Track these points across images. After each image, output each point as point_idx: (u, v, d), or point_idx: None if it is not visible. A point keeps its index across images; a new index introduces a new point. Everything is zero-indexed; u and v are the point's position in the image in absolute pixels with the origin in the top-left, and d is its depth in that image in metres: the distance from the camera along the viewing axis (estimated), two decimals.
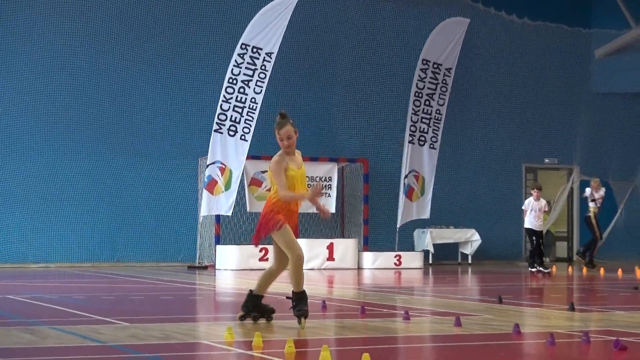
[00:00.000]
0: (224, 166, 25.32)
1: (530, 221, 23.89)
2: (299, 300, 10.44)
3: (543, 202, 24.24)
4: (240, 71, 25.63)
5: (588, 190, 25.88)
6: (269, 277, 10.85)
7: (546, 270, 22.99)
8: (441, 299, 15.66)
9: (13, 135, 25.45)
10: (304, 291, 10.48)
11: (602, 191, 25.58)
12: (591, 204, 25.42)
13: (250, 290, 10.88)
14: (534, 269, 23.33)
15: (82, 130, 26.03)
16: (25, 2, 25.59)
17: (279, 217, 10.46)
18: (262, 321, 10.49)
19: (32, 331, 10.15)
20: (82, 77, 26.06)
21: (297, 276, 10.46)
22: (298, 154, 10.80)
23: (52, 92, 25.76)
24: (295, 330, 9.92)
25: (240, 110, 25.50)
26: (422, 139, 28.04)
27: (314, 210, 26.82)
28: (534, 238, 23.97)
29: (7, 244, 25.31)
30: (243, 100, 25.54)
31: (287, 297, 10.59)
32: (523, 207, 24.51)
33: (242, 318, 10.81)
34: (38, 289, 16.96)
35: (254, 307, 10.80)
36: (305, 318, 10.41)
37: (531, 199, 24.17)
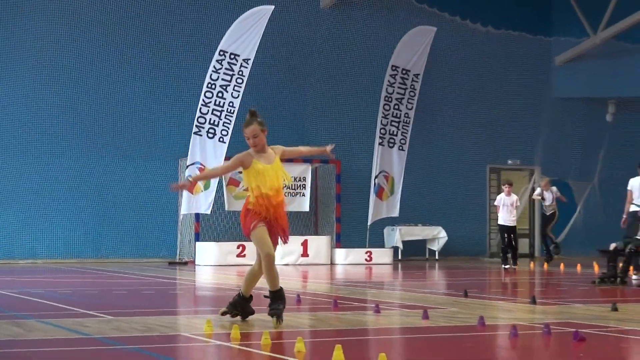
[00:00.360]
0: (203, 167, 25.28)
1: (502, 217, 23.46)
2: (274, 299, 10.00)
3: (514, 197, 23.68)
4: (218, 76, 25.61)
5: (538, 190, 25.95)
6: (252, 277, 10.33)
7: (513, 267, 22.92)
8: (410, 293, 15.68)
9: (0, 136, 25.36)
10: (280, 289, 10.02)
11: (553, 190, 25.59)
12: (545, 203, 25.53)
13: (239, 292, 10.39)
14: (507, 266, 22.95)
15: (68, 131, 25.99)
16: (14, 6, 25.50)
17: (253, 218, 10.00)
18: (239, 317, 10.32)
19: (19, 324, 10.11)
20: (69, 81, 26.02)
21: (268, 274, 9.95)
22: (273, 150, 10.34)
23: (39, 94, 25.71)
24: (272, 324, 9.91)
25: (218, 113, 25.48)
26: (392, 141, 28.07)
27: (289, 209, 26.89)
28: (505, 235, 23.45)
29: None
30: (221, 104, 25.51)
31: (265, 296, 10.19)
32: (495, 203, 24.09)
33: (223, 314, 10.40)
34: (25, 283, 16.89)
35: (240, 307, 10.38)
36: (278, 318, 9.92)
37: (502, 194, 23.73)
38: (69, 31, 26.07)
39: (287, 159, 10.92)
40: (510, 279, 20.51)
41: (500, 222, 23.68)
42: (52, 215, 25.77)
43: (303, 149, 11.14)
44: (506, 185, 23.78)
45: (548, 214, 25.80)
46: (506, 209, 23.30)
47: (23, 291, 14.93)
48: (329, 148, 10.70)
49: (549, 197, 25.54)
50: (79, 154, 26.03)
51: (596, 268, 21.70)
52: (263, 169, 10.11)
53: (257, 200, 10.05)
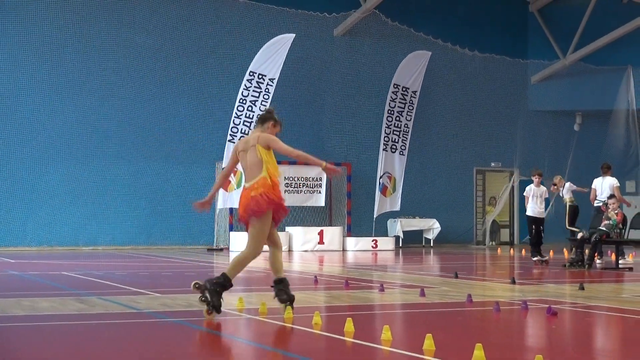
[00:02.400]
0: (235, 169, 25.26)
1: (531, 208, 19.40)
2: (219, 285, 8.61)
3: (543, 188, 19.66)
4: (248, 93, 25.63)
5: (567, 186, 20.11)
6: (274, 259, 8.98)
7: (543, 259, 18.86)
8: (409, 275, 15.65)
9: (76, 144, 25.47)
10: (229, 279, 8.67)
11: (566, 185, 20.02)
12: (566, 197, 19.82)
13: (277, 277, 9.00)
14: (535, 258, 18.96)
15: (125, 140, 26.02)
16: (91, 25, 25.63)
17: (267, 205, 8.56)
18: (272, 293, 9.47)
19: (83, 301, 10.13)
20: (126, 100, 26.07)
21: (240, 266, 8.76)
22: (250, 135, 9.05)
23: (101, 109, 25.79)
24: (295, 300, 9.86)
25: (248, 124, 25.48)
26: (394, 147, 28.03)
27: (308, 204, 26.93)
28: (533, 227, 19.41)
29: (63, 230, 25.27)
30: (251, 116, 25.52)
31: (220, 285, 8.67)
32: (524, 194, 19.81)
33: (283, 301, 8.84)
34: (88, 267, 16.94)
35: (285, 288, 8.91)
36: (207, 304, 8.50)
37: (532, 185, 19.59)
38: (126, 57, 26.13)
39: (304, 162, 9.55)
40: (493, 262, 20.44)
41: (529, 213, 19.49)
42: (111, 210, 25.81)
43: (300, 154, 8.82)
44: (536, 176, 19.51)
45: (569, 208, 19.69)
46: (535, 199, 19.38)
47: (86, 273, 14.97)
48: (324, 164, 8.89)
49: (565, 192, 19.94)
50: (134, 158, 26.06)
51: (566, 254, 21.62)
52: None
53: (276, 189, 8.75)
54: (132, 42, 26.33)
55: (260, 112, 25.37)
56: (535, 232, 19.32)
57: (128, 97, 26.20)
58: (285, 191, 26.17)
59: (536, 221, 19.40)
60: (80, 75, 25.70)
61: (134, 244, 25.87)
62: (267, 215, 8.66)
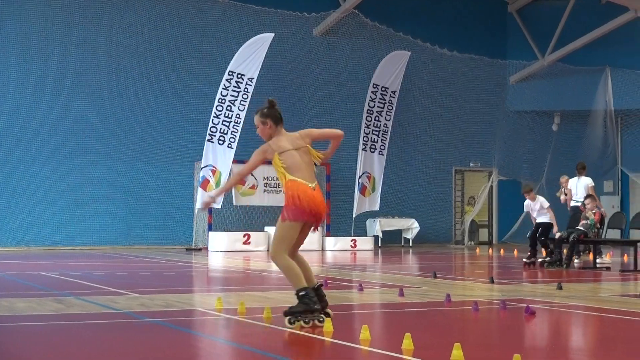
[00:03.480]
0: (214, 169, 25.26)
1: (537, 219, 18.30)
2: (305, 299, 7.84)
3: (540, 199, 18.31)
4: (227, 93, 25.59)
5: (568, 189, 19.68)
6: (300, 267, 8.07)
7: (529, 261, 17.70)
8: (388, 274, 15.67)
9: (54, 144, 25.35)
10: (303, 287, 7.88)
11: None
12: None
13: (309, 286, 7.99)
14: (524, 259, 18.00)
15: (104, 140, 25.94)
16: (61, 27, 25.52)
17: (297, 212, 7.99)
18: (251, 293, 9.60)
19: (60, 301, 10.08)
20: (105, 101, 26.01)
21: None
22: (291, 134, 8.71)
23: (80, 111, 25.69)
24: (274, 299, 9.87)
25: (227, 124, 25.45)
26: (373, 147, 28.06)
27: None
28: (540, 229, 18.16)
29: (41, 230, 25.15)
30: (230, 116, 25.49)
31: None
32: (525, 209, 18.85)
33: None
34: (66, 267, 16.87)
35: (318, 298, 7.93)
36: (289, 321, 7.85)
37: (527, 201, 18.41)
38: (105, 57, 26.05)
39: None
40: (471, 262, 20.49)
41: (537, 221, 18.32)
42: (90, 210, 25.70)
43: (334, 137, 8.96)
44: (527, 193, 18.31)
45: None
46: (535, 212, 18.31)
47: (64, 273, 14.90)
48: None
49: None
50: (112, 158, 25.97)
51: (544, 253, 21.69)
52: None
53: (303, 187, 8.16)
54: (111, 41, 26.23)
55: (239, 112, 25.39)
56: (533, 232, 18.29)
57: (107, 97, 26.10)
58: (264, 191, 26.18)
59: (542, 225, 18.11)
60: (59, 75, 25.57)
61: (113, 244, 25.78)
62: None
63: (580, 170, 19.26)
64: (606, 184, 31.97)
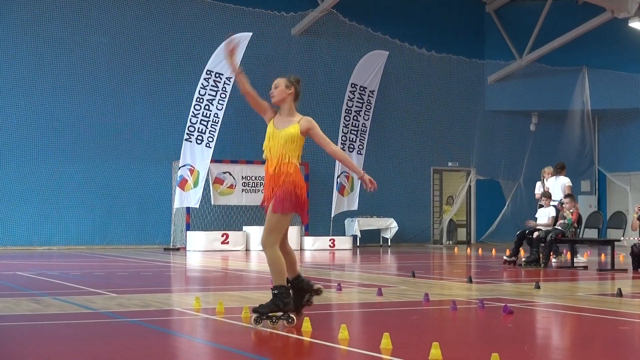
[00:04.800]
0: (192, 168, 25.20)
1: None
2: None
3: (549, 209, 17.76)
4: (205, 92, 25.55)
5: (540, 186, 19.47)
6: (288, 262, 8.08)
7: (510, 259, 17.71)
8: (366, 274, 15.68)
9: (29, 143, 25.19)
10: (280, 285, 7.87)
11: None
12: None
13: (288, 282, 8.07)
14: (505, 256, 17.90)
15: (80, 138, 25.84)
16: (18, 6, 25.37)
17: (297, 204, 7.99)
18: (229, 292, 9.67)
19: (37, 301, 10.02)
20: (81, 98, 25.90)
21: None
22: (295, 118, 8.69)
23: (56, 108, 25.56)
24: (252, 299, 9.86)
25: (205, 123, 25.41)
26: (352, 146, 28.10)
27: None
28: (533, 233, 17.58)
29: (17, 229, 25.01)
30: (208, 115, 25.45)
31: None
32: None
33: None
34: (42, 267, 16.77)
35: (306, 287, 8.25)
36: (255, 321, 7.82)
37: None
38: (81, 56, 25.94)
39: (263, 163, 8.62)
40: (450, 262, 20.54)
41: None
42: (66, 209, 25.59)
43: (338, 153, 9.01)
44: (529, 222, 18.02)
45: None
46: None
47: (41, 273, 14.81)
48: (365, 176, 8.88)
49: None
50: (88, 157, 25.87)
51: (522, 253, 21.81)
52: (271, 133, 8.49)
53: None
54: (87, 40, 26.13)
55: (217, 111, 25.35)
56: (523, 231, 17.94)
57: (83, 95, 25.99)
58: (242, 190, 26.13)
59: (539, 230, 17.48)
60: (33, 73, 25.44)
61: (89, 244, 25.67)
62: None
63: (559, 170, 19.35)
64: (583, 184, 32.16)
